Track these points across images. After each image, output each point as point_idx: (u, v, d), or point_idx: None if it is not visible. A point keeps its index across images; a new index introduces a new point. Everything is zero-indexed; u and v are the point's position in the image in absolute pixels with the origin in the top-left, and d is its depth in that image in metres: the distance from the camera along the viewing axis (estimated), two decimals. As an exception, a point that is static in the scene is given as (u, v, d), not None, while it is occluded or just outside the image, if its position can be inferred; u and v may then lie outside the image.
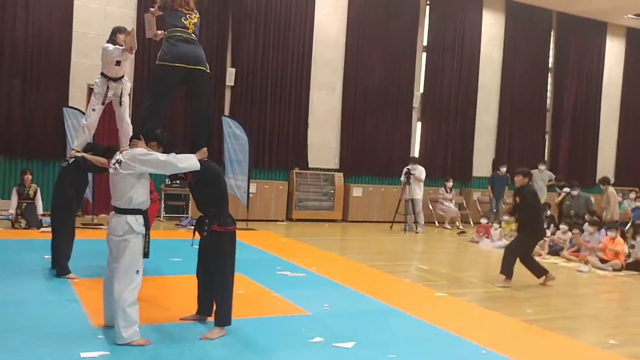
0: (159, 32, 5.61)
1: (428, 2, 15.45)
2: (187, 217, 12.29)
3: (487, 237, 12.11)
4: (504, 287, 7.88)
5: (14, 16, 11.30)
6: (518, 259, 8.15)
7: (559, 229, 11.40)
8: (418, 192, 13.25)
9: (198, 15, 5.32)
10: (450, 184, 14.73)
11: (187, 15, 5.17)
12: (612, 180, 16.28)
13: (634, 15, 17.17)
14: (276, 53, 13.61)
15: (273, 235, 11.35)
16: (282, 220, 13.48)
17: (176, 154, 4.68)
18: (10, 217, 10.22)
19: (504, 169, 14.89)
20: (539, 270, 8.25)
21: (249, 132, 11.67)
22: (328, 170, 14.40)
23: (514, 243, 8.40)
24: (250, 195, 11.85)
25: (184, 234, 10.74)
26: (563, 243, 11.07)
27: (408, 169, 13.27)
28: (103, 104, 7.09)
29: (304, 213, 13.85)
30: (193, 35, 5.14)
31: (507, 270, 8.02)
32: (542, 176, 14.39)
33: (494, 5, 16.31)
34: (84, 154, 6.83)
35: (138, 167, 4.55)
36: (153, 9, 5.41)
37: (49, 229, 7.35)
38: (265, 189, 13.34)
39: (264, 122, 13.57)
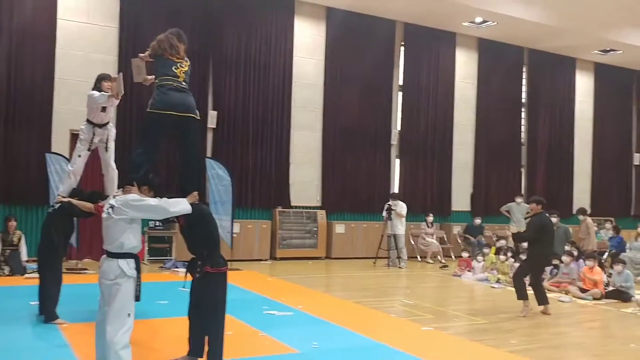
0: (149, 77, 5.72)
1: (402, 43, 15.90)
2: (171, 259, 12.27)
3: (469, 270, 12.29)
4: (525, 315, 8.33)
5: (-4, 64, 11.43)
6: (528, 284, 8.77)
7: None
8: (400, 227, 13.44)
9: (189, 63, 5.44)
10: (430, 218, 14.98)
11: (178, 64, 5.29)
12: (588, 211, 16.65)
13: (600, 51, 17.85)
14: (256, 95, 13.86)
15: (258, 274, 11.39)
16: (266, 260, 13.52)
17: (167, 198, 4.80)
18: (-7, 264, 10.14)
19: (478, 221, 15.55)
20: (542, 299, 8.74)
21: (231, 173, 11.80)
22: (310, 208, 14.54)
23: (518, 269, 9.05)
24: (234, 235, 11.90)
25: (168, 276, 10.74)
26: (544, 274, 11.26)
27: (389, 205, 13.47)
28: (89, 150, 7.19)
29: (288, 251, 13.92)
30: (184, 83, 5.25)
31: (522, 295, 8.54)
32: (520, 209, 14.75)
33: (467, 44, 16.82)
34: (71, 199, 6.90)
35: (130, 212, 4.65)
36: (143, 55, 5.53)
37: (34, 275, 7.34)
38: (248, 229, 13.41)
39: (246, 162, 13.74)
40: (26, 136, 11.62)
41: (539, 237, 8.63)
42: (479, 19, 15.33)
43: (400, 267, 13.24)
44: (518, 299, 8.56)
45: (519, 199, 15.12)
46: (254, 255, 13.40)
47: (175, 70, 5.23)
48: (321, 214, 14.40)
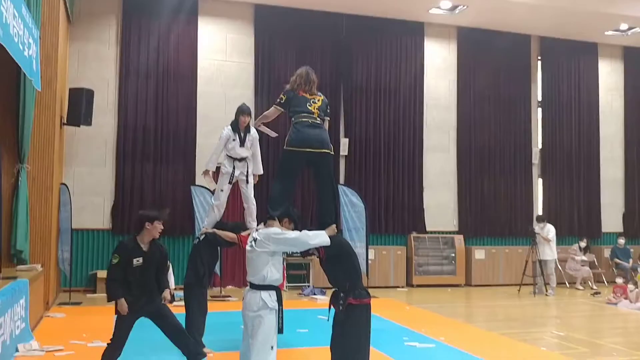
0: (274, 134, 6.31)
1: (539, 57, 15.17)
2: (308, 285, 12.41)
3: (626, 298, 11.26)
4: None
5: (145, 105, 12.29)
6: None
7: None
8: (548, 252, 12.72)
9: (322, 98, 5.56)
10: (583, 243, 13.97)
11: (312, 100, 5.43)
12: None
13: None
14: (387, 119, 13.82)
15: (395, 302, 11.18)
16: (402, 287, 13.28)
17: (307, 230, 4.83)
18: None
19: (622, 241, 14.50)
20: None
21: (364, 199, 11.77)
22: (447, 232, 14.14)
23: None
24: (369, 261, 11.82)
25: (307, 303, 10.84)
26: None
27: (533, 228, 12.81)
28: (230, 183, 7.44)
29: (425, 278, 13.58)
30: (318, 119, 5.39)
31: None
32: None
33: (611, 54, 15.73)
34: (215, 230, 7.17)
35: (272, 245, 4.75)
36: (260, 127, 6.06)
37: (181, 304, 7.62)
38: (383, 255, 13.27)
39: (379, 187, 13.67)
40: (173, 170, 12.37)
41: None
42: (624, 26, 14.27)
43: (547, 295, 12.43)
44: None
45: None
46: (390, 282, 13.22)
47: (310, 107, 5.37)
48: (459, 239, 13.93)
